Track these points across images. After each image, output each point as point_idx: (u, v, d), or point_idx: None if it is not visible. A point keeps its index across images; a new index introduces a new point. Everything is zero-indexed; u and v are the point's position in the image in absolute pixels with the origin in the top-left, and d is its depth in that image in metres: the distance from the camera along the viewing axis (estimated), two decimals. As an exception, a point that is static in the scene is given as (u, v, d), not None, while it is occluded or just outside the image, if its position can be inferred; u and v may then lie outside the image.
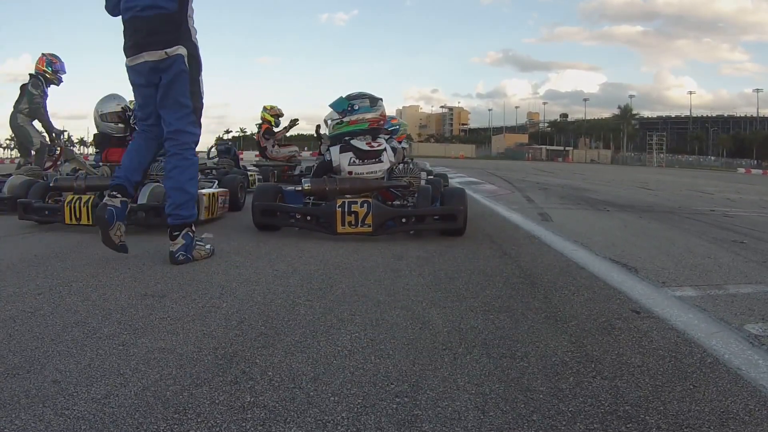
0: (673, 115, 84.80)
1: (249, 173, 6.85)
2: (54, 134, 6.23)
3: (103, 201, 2.60)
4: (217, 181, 4.89)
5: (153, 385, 1.23)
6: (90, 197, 3.53)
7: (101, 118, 3.93)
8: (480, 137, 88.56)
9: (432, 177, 5.77)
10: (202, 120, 2.80)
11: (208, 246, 2.74)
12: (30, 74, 6.09)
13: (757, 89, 69.41)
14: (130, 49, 2.66)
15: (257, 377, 1.29)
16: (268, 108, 8.84)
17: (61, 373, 1.29)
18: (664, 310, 1.90)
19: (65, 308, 1.81)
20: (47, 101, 6.25)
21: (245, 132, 71.33)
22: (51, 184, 3.86)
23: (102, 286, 2.11)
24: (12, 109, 6.09)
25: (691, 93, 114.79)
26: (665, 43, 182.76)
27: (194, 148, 2.77)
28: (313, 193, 3.50)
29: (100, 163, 4.04)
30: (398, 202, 3.74)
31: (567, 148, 67.79)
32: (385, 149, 3.64)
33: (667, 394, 1.24)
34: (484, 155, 62.78)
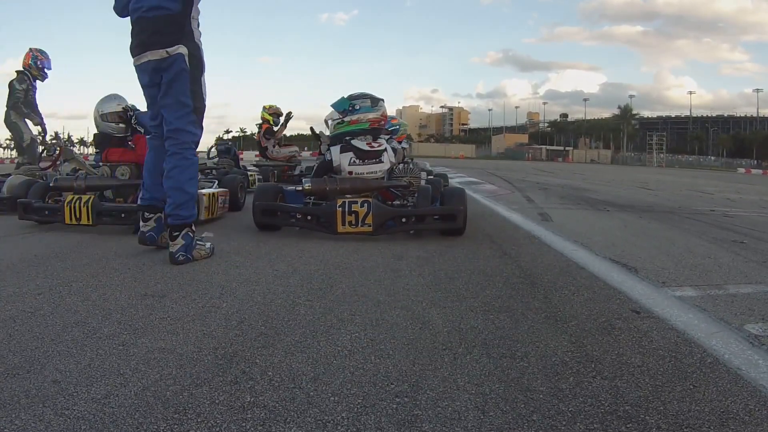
0: (673, 115, 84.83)
1: (249, 173, 6.85)
2: (44, 128, 6.25)
3: (139, 228, 2.77)
4: (217, 181, 4.89)
5: (153, 385, 1.23)
6: (90, 197, 3.53)
7: (102, 118, 3.93)
8: (480, 137, 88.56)
9: (432, 177, 5.77)
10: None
11: (208, 245, 2.74)
12: (17, 71, 6.12)
13: (757, 89, 69.52)
14: (135, 49, 2.72)
15: (257, 377, 1.29)
16: (267, 107, 8.83)
17: (61, 373, 1.29)
18: (664, 310, 1.90)
19: (65, 308, 1.81)
20: (36, 96, 6.28)
21: (245, 132, 71.32)
22: (51, 184, 3.86)
23: (102, 286, 2.11)
24: (5, 107, 6.12)
25: (691, 93, 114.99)
26: (665, 43, 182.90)
27: (194, 149, 2.78)
28: (314, 192, 3.50)
29: (100, 163, 4.03)
30: (398, 202, 3.74)
31: (567, 148, 67.78)
32: (385, 149, 3.64)
33: (667, 394, 1.24)
34: (484, 155, 62.78)
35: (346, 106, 3.66)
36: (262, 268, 2.48)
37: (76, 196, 3.55)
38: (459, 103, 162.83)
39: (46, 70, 6.26)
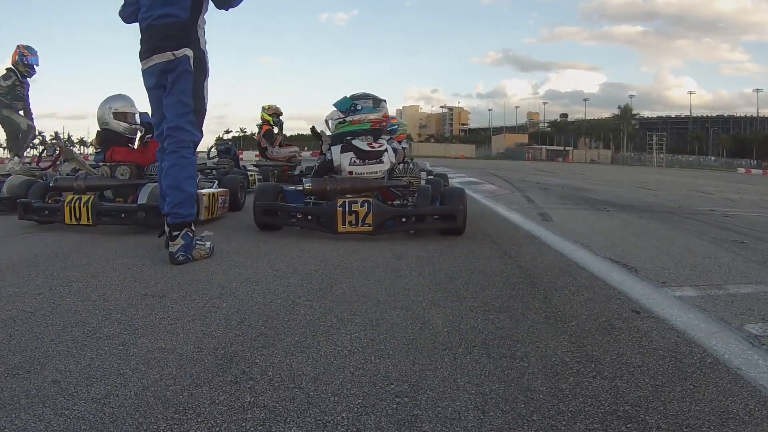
0: (673, 115, 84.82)
1: (249, 173, 6.85)
2: (31, 126, 6.30)
3: (169, 252, 2.64)
4: (217, 181, 4.89)
5: (153, 385, 1.23)
6: (90, 197, 3.53)
7: (114, 115, 3.93)
8: (480, 137, 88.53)
9: (432, 177, 5.77)
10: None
11: (208, 244, 2.75)
12: (6, 68, 6.16)
13: (757, 89, 69.49)
14: (144, 53, 2.82)
15: (257, 377, 1.29)
16: (267, 108, 8.82)
17: (61, 373, 1.29)
18: (664, 310, 1.91)
19: (65, 308, 1.81)
20: (29, 94, 6.34)
21: (245, 132, 71.30)
22: (51, 184, 3.86)
23: (102, 286, 2.11)
24: None
25: (691, 93, 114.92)
26: (665, 43, 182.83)
27: (192, 149, 2.81)
28: (314, 192, 3.50)
29: (100, 163, 4.03)
30: (398, 202, 3.74)
31: (567, 148, 67.77)
32: (386, 150, 3.64)
33: (667, 394, 1.24)
34: (484, 155, 62.76)
35: (348, 105, 3.67)
36: (262, 268, 2.48)
37: (76, 196, 3.55)
38: (459, 103, 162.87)
39: (34, 66, 6.29)
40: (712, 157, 63.00)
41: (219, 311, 1.80)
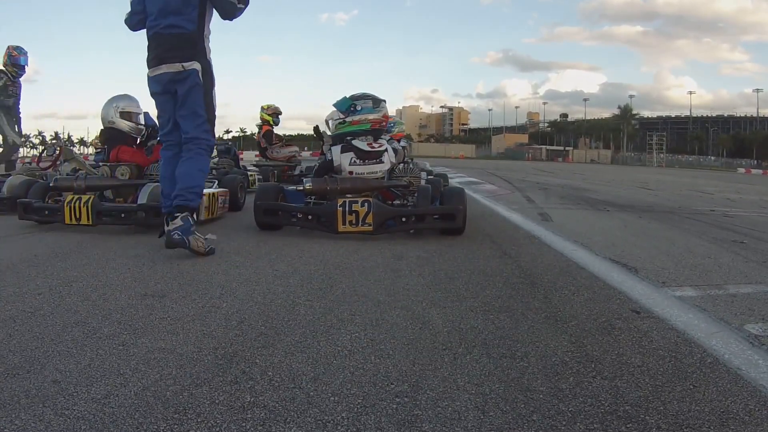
0: (673, 115, 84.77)
1: (249, 173, 6.85)
2: (19, 128, 6.29)
3: (166, 230, 2.76)
4: (217, 181, 4.89)
5: (153, 385, 1.23)
6: (90, 197, 3.53)
7: (120, 114, 3.94)
8: (480, 137, 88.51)
9: (432, 177, 5.77)
10: None
11: (209, 235, 2.79)
12: None
13: (757, 89, 69.44)
14: (151, 61, 2.98)
15: (257, 377, 1.29)
16: (266, 108, 8.81)
17: (61, 373, 1.29)
18: (664, 310, 1.91)
19: (65, 308, 1.81)
20: (21, 92, 6.36)
21: (245, 132, 71.28)
22: (51, 184, 3.86)
23: (102, 286, 2.11)
24: None
25: (691, 93, 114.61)
26: (665, 43, 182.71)
27: (209, 152, 3.07)
28: (315, 192, 3.51)
29: (100, 163, 4.04)
30: (398, 202, 3.75)
31: (567, 148, 67.76)
32: (386, 150, 3.65)
33: (667, 394, 1.24)
34: (484, 155, 62.75)
35: (348, 106, 3.67)
36: (262, 268, 2.48)
37: (76, 196, 3.55)
38: (459, 103, 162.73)
39: (24, 66, 6.29)
40: (712, 157, 62.98)
41: (219, 311, 1.80)
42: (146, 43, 3.05)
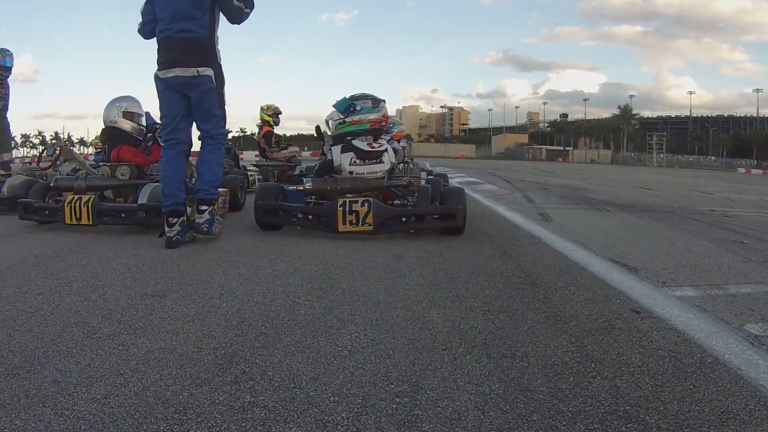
0: (673, 115, 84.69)
1: (249, 173, 6.85)
2: (8, 133, 6.25)
3: (165, 233, 3.00)
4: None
5: (153, 385, 1.23)
6: (90, 197, 3.53)
7: (123, 114, 3.95)
8: (480, 137, 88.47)
9: (432, 177, 5.77)
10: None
11: (219, 219, 3.14)
12: None
13: (757, 89, 69.32)
14: (163, 64, 3.11)
15: (257, 377, 1.29)
16: (266, 108, 8.79)
17: (61, 373, 1.29)
18: (664, 310, 1.91)
19: (65, 308, 1.81)
20: (9, 95, 6.26)
21: (245, 132, 71.16)
22: (51, 184, 3.86)
23: (102, 286, 2.11)
24: None
25: (691, 93, 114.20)
26: (665, 43, 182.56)
27: (224, 146, 3.42)
28: (315, 192, 3.51)
29: (101, 163, 4.04)
30: (398, 202, 3.75)
31: (567, 148, 67.72)
32: (386, 150, 3.65)
33: (667, 394, 1.24)
34: (484, 155, 62.71)
35: (347, 106, 3.68)
36: (262, 268, 2.48)
37: (77, 196, 3.55)
38: (459, 103, 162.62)
39: (9, 67, 6.19)
40: (712, 157, 62.94)
41: (219, 311, 1.81)
42: (151, 45, 3.18)
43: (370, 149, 3.59)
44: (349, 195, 3.42)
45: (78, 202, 3.51)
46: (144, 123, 4.10)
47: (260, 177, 7.12)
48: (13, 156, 6.36)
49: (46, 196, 3.90)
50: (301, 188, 3.54)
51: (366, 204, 3.29)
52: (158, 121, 4.17)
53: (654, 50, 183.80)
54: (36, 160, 5.42)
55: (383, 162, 3.62)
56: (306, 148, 27.73)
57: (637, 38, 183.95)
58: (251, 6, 3.19)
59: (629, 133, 71.72)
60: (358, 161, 3.57)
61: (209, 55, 3.11)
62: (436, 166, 12.43)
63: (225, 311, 1.81)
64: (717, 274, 2.57)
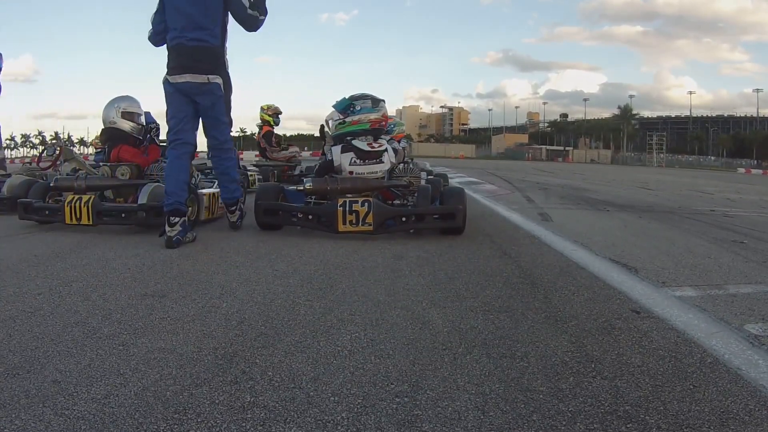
0: (673, 115, 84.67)
1: (249, 173, 6.85)
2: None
3: (166, 232, 3.03)
4: (217, 181, 4.88)
5: (153, 385, 1.23)
6: (90, 197, 3.53)
7: (122, 114, 3.95)
8: (480, 137, 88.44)
9: (432, 177, 5.77)
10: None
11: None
12: None
13: (757, 89, 69.29)
14: (174, 69, 3.23)
15: (257, 377, 1.29)
16: (266, 108, 8.79)
17: (61, 373, 1.29)
18: (664, 310, 1.91)
19: (65, 308, 1.81)
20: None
21: (245, 132, 71.17)
22: (51, 184, 3.86)
23: (102, 286, 2.11)
24: None
25: (691, 93, 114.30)
26: (665, 43, 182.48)
27: (232, 144, 3.66)
28: (315, 192, 3.51)
29: (101, 163, 4.04)
30: (398, 202, 3.75)
31: (567, 148, 67.69)
32: (386, 150, 3.65)
33: (667, 394, 1.24)
34: (484, 155, 62.69)
35: (346, 106, 3.68)
36: (262, 268, 2.48)
37: (77, 196, 3.55)
38: (459, 103, 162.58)
39: None
40: (712, 157, 62.90)
41: (219, 311, 1.81)
42: (150, 46, 3.31)
43: (370, 149, 3.59)
44: (349, 195, 3.42)
45: (78, 202, 3.51)
46: (143, 122, 4.10)
47: (260, 177, 7.12)
48: (6, 155, 6.31)
49: (46, 196, 3.90)
50: (301, 188, 3.54)
51: (366, 204, 3.29)
52: (157, 121, 4.19)
53: (654, 50, 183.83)
54: (36, 160, 5.41)
55: (383, 162, 3.62)
56: (306, 148, 27.73)
57: (637, 38, 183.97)
58: (265, 12, 3.31)
59: (629, 133, 71.69)
60: (358, 161, 3.57)
61: (219, 64, 3.27)
62: (436, 166, 12.43)
63: (225, 311, 1.81)
64: (717, 274, 2.57)
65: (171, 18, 3.24)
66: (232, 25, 3.37)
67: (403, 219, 3.38)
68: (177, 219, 3.04)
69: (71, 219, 3.51)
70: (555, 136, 79.46)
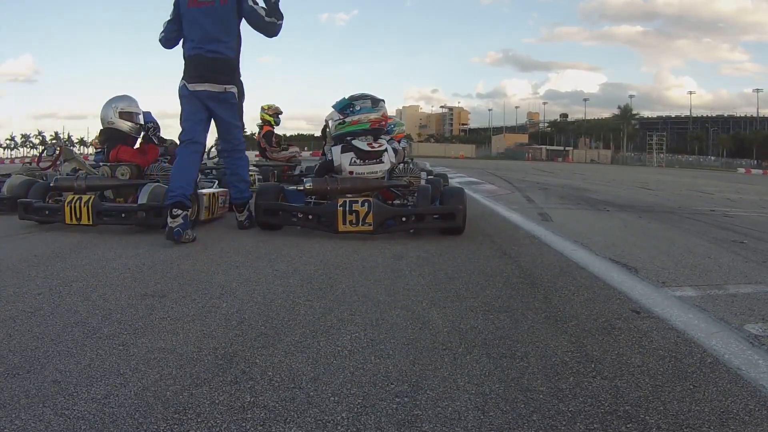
0: (673, 115, 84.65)
1: (249, 173, 6.83)
2: None
3: (168, 224, 3.09)
4: (217, 181, 4.89)
5: (153, 385, 1.23)
6: (90, 197, 3.53)
7: (119, 114, 3.95)
8: (480, 137, 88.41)
9: (432, 177, 5.77)
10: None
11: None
12: None
13: (757, 89, 69.28)
14: (193, 78, 3.43)
15: (257, 377, 1.29)
16: (266, 108, 8.78)
17: (61, 373, 1.29)
18: (664, 310, 1.90)
19: (65, 308, 1.81)
20: None
21: (245, 132, 71.19)
22: (51, 184, 3.86)
23: (102, 286, 2.11)
24: None
25: (691, 93, 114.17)
26: (665, 43, 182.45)
27: (244, 147, 3.82)
28: (315, 192, 3.51)
29: (101, 163, 4.04)
30: (398, 202, 3.75)
31: (567, 148, 67.68)
32: (386, 150, 3.65)
33: (667, 394, 1.24)
34: (484, 155, 62.67)
35: (346, 106, 3.68)
36: (262, 268, 2.48)
37: (77, 196, 3.55)
38: (459, 103, 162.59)
39: None
40: (712, 157, 62.88)
41: (219, 311, 1.81)
42: (150, 45, 3.63)
43: (370, 149, 3.59)
44: (349, 195, 3.42)
45: (78, 202, 3.51)
46: (142, 121, 4.08)
47: (260, 177, 7.12)
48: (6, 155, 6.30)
49: (46, 196, 3.90)
50: (301, 188, 3.54)
51: (366, 204, 3.29)
52: (157, 120, 4.18)
53: (654, 50, 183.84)
54: (36, 160, 5.41)
55: (383, 162, 3.62)
56: (306, 148, 27.73)
57: (637, 38, 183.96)
58: (281, 17, 3.47)
59: (629, 133, 71.67)
60: (358, 161, 3.57)
61: (235, 75, 3.50)
62: (436, 166, 12.43)
63: (225, 311, 1.81)
64: (717, 274, 2.57)
65: (188, 30, 3.45)
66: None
67: (403, 219, 3.38)
68: (179, 211, 3.10)
69: (71, 219, 3.51)
70: (555, 136, 79.45)
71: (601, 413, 1.15)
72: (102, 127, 4.09)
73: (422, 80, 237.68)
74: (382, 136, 3.88)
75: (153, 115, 4.24)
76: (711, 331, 1.70)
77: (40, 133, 76.10)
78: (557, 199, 7.06)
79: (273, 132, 8.68)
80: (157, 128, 4.17)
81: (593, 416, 1.13)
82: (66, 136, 66.72)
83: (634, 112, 73.90)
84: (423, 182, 4.39)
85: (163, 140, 4.27)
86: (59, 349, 1.44)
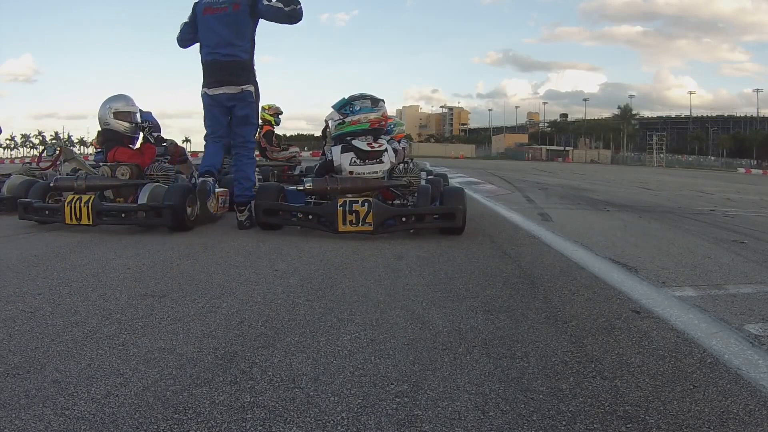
0: (673, 115, 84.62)
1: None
2: None
3: (201, 180, 3.74)
4: (217, 181, 4.88)
5: (153, 385, 1.23)
6: (90, 197, 3.53)
7: (114, 115, 3.94)
8: (480, 137, 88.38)
9: (432, 177, 5.77)
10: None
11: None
12: None
13: (757, 89, 69.25)
14: (212, 83, 3.71)
15: (257, 377, 1.29)
16: (267, 108, 8.78)
17: (61, 373, 1.29)
18: (664, 310, 1.90)
19: (65, 308, 1.81)
20: None
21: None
22: (51, 184, 3.86)
23: (102, 286, 2.11)
24: None
25: (691, 93, 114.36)
26: (665, 43, 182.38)
27: (255, 146, 4.14)
28: (315, 192, 3.51)
29: (101, 163, 4.03)
30: (398, 202, 3.75)
31: (567, 148, 67.64)
32: (386, 150, 3.65)
33: (667, 394, 1.24)
34: (484, 155, 62.64)
35: (345, 105, 3.68)
36: (262, 268, 2.48)
37: (77, 196, 3.55)
38: (459, 103, 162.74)
39: None
40: (712, 157, 62.84)
41: (219, 311, 1.81)
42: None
43: (370, 149, 3.59)
44: (349, 195, 3.42)
45: (78, 202, 3.51)
46: (138, 120, 4.04)
47: (260, 177, 7.11)
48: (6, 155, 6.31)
49: (46, 196, 3.90)
50: (302, 188, 3.54)
51: (366, 204, 3.29)
52: (157, 121, 4.17)
53: (654, 50, 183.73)
54: (36, 160, 5.41)
55: (383, 162, 3.62)
56: (306, 148, 27.73)
57: (637, 38, 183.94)
58: (297, 1, 3.58)
59: (629, 133, 71.63)
60: (358, 161, 3.57)
61: (251, 75, 3.73)
62: (436, 166, 12.42)
63: (225, 311, 1.81)
64: (717, 274, 2.57)
65: (204, 36, 3.67)
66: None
67: (403, 219, 3.38)
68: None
69: (71, 219, 3.51)
70: (555, 136, 79.42)
71: (601, 413, 1.15)
72: (100, 129, 4.08)
73: (422, 80, 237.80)
74: (382, 136, 3.88)
75: (153, 115, 4.23)
76: (711, 331, 1.70)
77: (40, 133, 76.20)
78: (557, 199, 7.06)
79: (273, 132, 8.67)
80: (153, 128, 4.13)
81: (593, 416, 1.13)
82: (66, 136, 66.84)
83: (634, 112, 73.84)
84: (423, 182, 4.39)
85: (162, 140, 4.26)
86: (59, 349, 1.44)
